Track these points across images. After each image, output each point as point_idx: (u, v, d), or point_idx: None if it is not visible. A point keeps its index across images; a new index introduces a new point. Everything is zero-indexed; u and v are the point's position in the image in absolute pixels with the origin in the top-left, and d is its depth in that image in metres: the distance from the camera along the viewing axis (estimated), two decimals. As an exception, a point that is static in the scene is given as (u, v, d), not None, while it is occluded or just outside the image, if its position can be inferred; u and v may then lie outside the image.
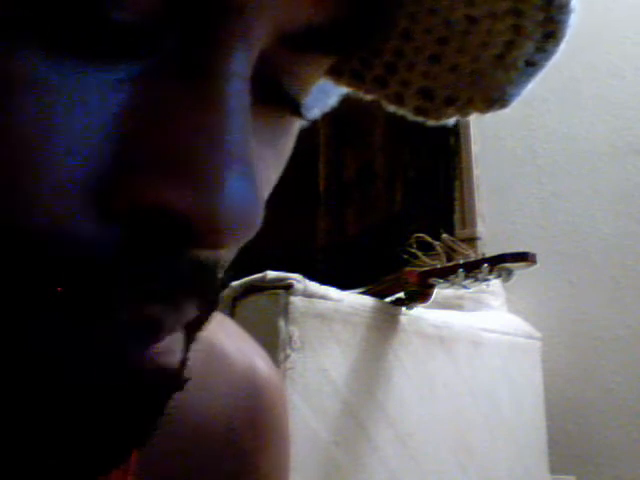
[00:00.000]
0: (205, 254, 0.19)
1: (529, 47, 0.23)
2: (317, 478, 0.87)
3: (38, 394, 0.18)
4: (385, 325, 1.03)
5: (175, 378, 0.22)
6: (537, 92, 1.82)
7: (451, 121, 0.26)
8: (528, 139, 1.82)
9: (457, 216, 1.84)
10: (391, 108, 0.26)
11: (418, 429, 1.06)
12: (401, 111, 0.26)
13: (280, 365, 0.83)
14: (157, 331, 0.20)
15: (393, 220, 1.97)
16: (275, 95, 0.22)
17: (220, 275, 0.22)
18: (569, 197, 1.73)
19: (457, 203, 1.86)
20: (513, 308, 1.65)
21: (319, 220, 2.14)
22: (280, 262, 1.00)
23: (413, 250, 1.13)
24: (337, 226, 2.10)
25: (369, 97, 0.27)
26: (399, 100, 0.26)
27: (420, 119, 0.26)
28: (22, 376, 0.18)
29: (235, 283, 0.90)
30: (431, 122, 0.27)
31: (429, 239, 1.15)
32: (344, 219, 2.09)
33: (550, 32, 0.23)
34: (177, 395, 0.24)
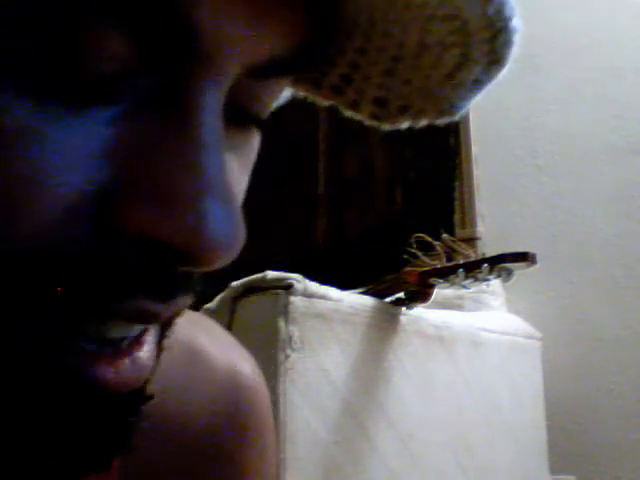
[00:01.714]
0: (194, 271, 0.21)
1: (476, 70, 0.25)
2: (317, 478, 0.87)
3: (33, 393, 0.20)
4: (385, 325, 1.03)
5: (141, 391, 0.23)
6: (537, 92, 1.82)
7: (404, 125, 0.28)
8: (528, 139, 1.82)
9: (457, 216, 1.84)
10: (348, 113, 0.28)
11: (418, 429, 1.06)
12: (357, 117, 0.28)
13: (280, 365, 0.83)
14: (147, 322, 0.22)
15: (393, 220, 1.97)
16: (241, 117, 0.24)
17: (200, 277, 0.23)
18: (569, 197, 1.73)
19: (457, 203, 1.86)
20: (513, 308, 1.65)
21: (319, 220, 2.14)
22: (280, 262, 1.00)
23: (413, 250, 1.13)
24: (337, 226, 2.10)
25: (326, 103, 0.28)
26: (355, 107, 0.28)
27: (375, 124, 0.28)
28: (17, 375, 0.19)
29: (235, 283, 0.90)
30: (385, 127, 0.28)
31: (429, 239, 1.15)
32: (344, 219, 2.09)
33: (494, 60, 0.25)
34: (159, 398, 0.25)
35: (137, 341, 0.22)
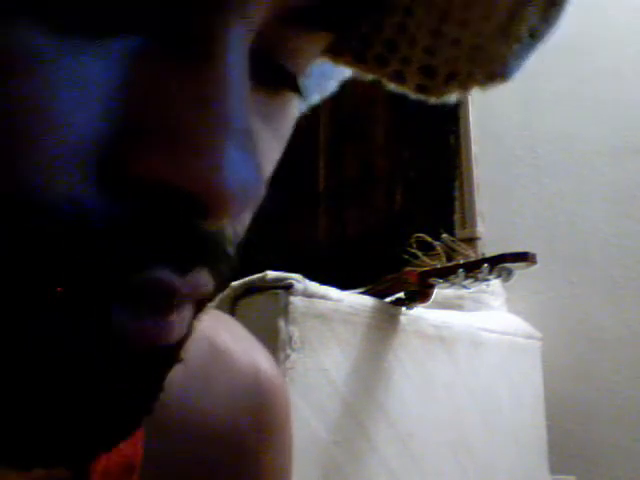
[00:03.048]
0: (210, 225, 0.19)
1: (532, 17, 0.23)
2: (317, 478, 0.87)
3: (34, 373, 0.18)
4: (385, 325, 1.03)
5: (173, 352, 0.21)
6: (537, 92, 1.82)
7: (452, 98, 0.26)
8: (528, 139, 1.82)
9: (457, 216, 1.84)
10: (391, 87, 0.26)
11: (418, 429, 1.06)
12: (401, 89, 0.26)
13: (280, 365, 0.83)
14: (168, 297, 0.19)
15: (393, 220, 1.97)
16: (273, 72, 0.22)
17: (230, 250, 0.21)
18: (569, 197, 1.73)
19: (457, 203, 1.86)
20: (513, 308, 1.65)
21: (319, 220, 2.14)
22: (280, 262, 1.00)
23: (413, 250, 1.13)
24: (337, 226, 2.10)
25: (369, 76, 0.26)
26: (400, 78, 0.26)
27: (422, 97, 0.26)
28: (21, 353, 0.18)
29: (235, 283, 0.90)
30: (432, 100, 0.26)
31: (429, 239, 1.15)
32: (344, 219, 2.09)
33: (553, 1, 0.22)
34: (181, 395, 0.23)
35: (166, 307, 0.20)
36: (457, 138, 1.87)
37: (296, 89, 0.23)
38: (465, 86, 0.25)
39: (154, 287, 0.18)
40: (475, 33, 0.23)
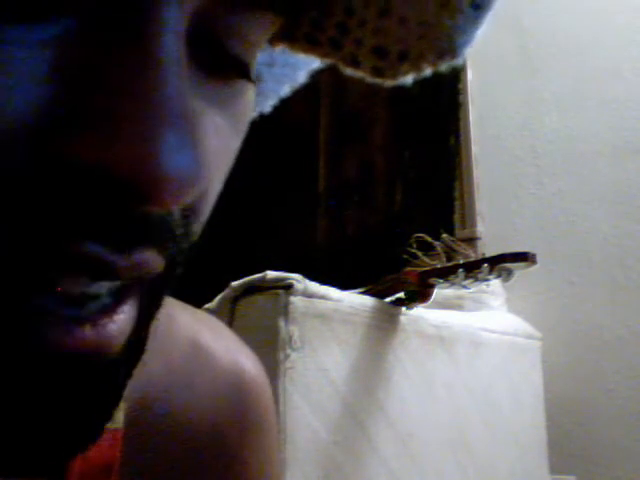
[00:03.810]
0: (152, 209, 0.19)
1: None
2: (317, 478, 0.87)
3: None
4: (385, 325, 1.03)
5: (115, 361, 0.20)
6: (537, 92, 1.82)
7: (408, 79, 0.26)
8: (528, 139, 1.82)
9: (457, 216, 1.84)
10: (348, 71, 0.26)
11: (418, 429, 1.06)
12: (358, 73, 0.26)
13: (280, 365, 0.83)
14: (103, 276, 0.19)
15: (393, 220, 1.97)
16: (220, 58, 0.22)
17: (180, 231, 0.21)
18: (569, 197, 1.73)
19: (457, 203, 1.85)
20: (513, 308, 1.65)
21: (319, 220, 2.14)
22: (280, 262, 0.99)
23: (413, 250, 1.13)
24: (337, 226, 2.10)
25: (326, 61, 0.27)
26: (354, 61, 0.26)
27: (378, 80, 0.26)
28: None
29: (235, 283, 0.90)
30: (388, 82, 0.26)
31: (429, 239, 1.15)
32: (344, 219, 2.09)
33: None
34: (162, 395, 0.23)
35: (106, 310, 0.20)
36: (457, 138, 1.87)
37: (245, 74, 0.23)
38: (418, 66, 0.25)
39: (88, 260, 0.18)
40: (419, 10, 0.24)
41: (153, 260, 0.20)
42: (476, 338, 1.28)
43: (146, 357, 0.23)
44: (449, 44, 0.24)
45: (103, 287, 0.19)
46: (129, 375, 0.22)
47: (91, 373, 0.20)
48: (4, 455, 0.19)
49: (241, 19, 0.21)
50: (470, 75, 1.86)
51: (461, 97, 1.87)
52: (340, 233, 2.09)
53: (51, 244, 0.17)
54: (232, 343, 0.39)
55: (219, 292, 0.92)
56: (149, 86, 0.17)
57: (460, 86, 1.87)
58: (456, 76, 1.83)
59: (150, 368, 0.24)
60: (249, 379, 0.38)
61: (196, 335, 0.36)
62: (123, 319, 0.20)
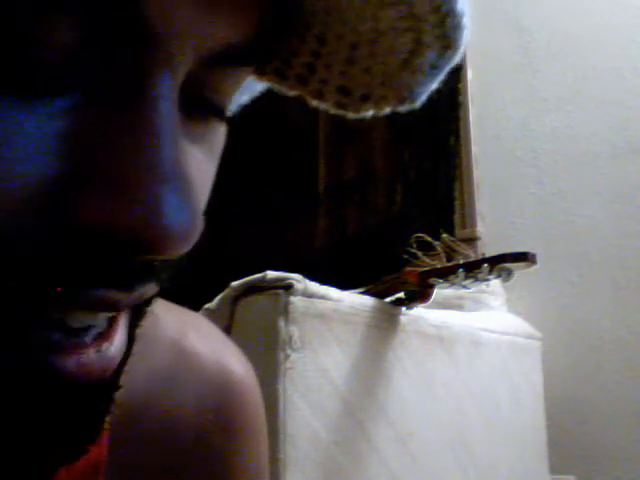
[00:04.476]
0: (155, 257, 0.21)
1: (430, 55, 0.25)
2: (317, 478, 0.87)
3: None
4: (385, 325, 1.03)
5: (110, 380, 0.23)
6: (537, 92, 1.82)
7: (369, 114, 0.28)
8: (528, 139, 1.82)
9: (457, 216, 1.84)
10: (314, 103, 0.28)
11: (418, 429, 1.06)
12: (323, 105, 0.28)
13: (280, 365, 0.83)
14: (108, 311, 0.21)
15: (393, 220, 1.97)
16: (202, 107, 0.24)
17: (173, 262, 0.23)
18: (569, 197, 1.73)
19: (457, 203, 1.86)
20: (513, 308, 1.66)
21: (319, 220, 2.14)
22: (280, 262, 1.00)
23: (413, 250, 1.13)
24: (337, 226, 2.10)
25: (292, 93, 0.28)
26: (320, 96, 0.28)
27: (340, 112, 0.28)
28: None
29: (235, 283, 0.90)
30: (350, 115, 0.28)
31: (429, 239, 1.15)
32: (344, 219, 2.09)
33: (447, 45, 0.25)
34: (145, 398, 0.24)
35: (104, 334, 0.22)
36: (457, 138, 1.87)
37: (223, 118, 0.25)
38: (379, 107, 0.28)
39: (97, 302, 0.20)
40: (383, 64, 0.26)
41: (151, 290, 0.23)
42: (476, 338, 1.28)
43: (131, 360, 0.24)
44: (409, 93, 0.26)
45: (104, 316, 0.22)
46: (119, 387, 0.24)
47: (93, 395, 0.22)
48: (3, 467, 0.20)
49: (221, 75, 0.24)
50: (470, 75, 1.86)
51: (461, 97, 1.87)
52: (340, 233, 2.09)
53: (65, 292, 0.20)
54: (219, 344, 0.39)
55: (219, 292, 0.92)
56: (150, 152, 0.19)
57: (460, 86, 1.87)
58: (456, 76, 1.83)
59: (134, 371, 0.25)
60: (235, 380, 0.37)
61: (181, 337, 0.36)
62: (119, 339, 0.22)
